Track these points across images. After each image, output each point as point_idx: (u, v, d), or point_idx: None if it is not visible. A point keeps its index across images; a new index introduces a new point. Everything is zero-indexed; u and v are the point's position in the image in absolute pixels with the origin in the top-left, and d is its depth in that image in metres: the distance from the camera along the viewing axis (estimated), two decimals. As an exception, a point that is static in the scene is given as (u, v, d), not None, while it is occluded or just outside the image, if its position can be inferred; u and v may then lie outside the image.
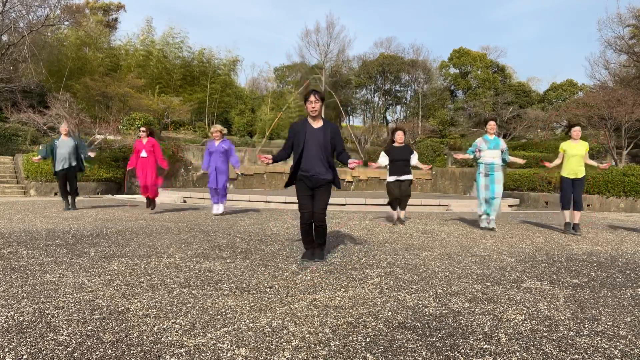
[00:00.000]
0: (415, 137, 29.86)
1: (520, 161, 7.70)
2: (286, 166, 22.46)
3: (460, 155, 7.75)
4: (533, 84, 42.20)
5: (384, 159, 7.75)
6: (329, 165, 4.33)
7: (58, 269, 3.63)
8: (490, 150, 7.08)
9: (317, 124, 4.41)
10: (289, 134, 4.48)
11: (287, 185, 4.48)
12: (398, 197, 7.61)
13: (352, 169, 4.32)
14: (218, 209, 8.70)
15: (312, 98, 4.32)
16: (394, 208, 7.82)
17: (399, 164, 7.64)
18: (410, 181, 7.70)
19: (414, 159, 7.85)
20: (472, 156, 7.32)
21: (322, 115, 4.50)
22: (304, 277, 3.57)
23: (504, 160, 7.23)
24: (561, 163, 7.32)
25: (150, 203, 8.88)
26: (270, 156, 4.41)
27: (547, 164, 7.60)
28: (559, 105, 31.60)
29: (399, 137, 7.77)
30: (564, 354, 2.11)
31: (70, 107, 17.88)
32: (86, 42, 27.68)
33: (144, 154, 8.61)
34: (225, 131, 8.91)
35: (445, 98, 39.75)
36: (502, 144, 7.21)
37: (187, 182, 20.60)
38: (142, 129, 8.87)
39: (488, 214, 7.12)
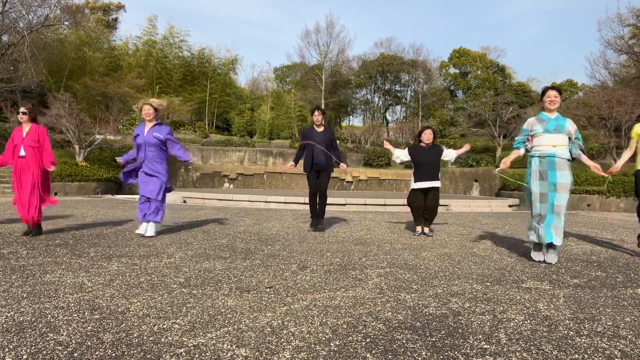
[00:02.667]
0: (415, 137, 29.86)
1: (596, 169, 4.66)
2: (284, 167, 22.47)
3: (507, 162, 4.79)
4: (533, 84, 42.21)
5: (402, 155, 6.45)
6: (328, 156, 6.50)
7: (58, 269, 3.63)
8: (549, 134, 4.40)
9: (320, 129, 6.59)
10: (302, 136, 6.66)
11: (305, 169, 6.60)
12: (422, 208, 6.26)
13: (342, 168, 6.72)
14: (146, 228, 5.55)
15: (316, 112, 6.56)
16: (418, 223, 6.40)
17: (427, 167, 6.22)
18: (439, 188, 6.35)
19: (447, 153, 6.41)
20: (522, 151, 4.76)
21: (323, 122, 6.66)
22: (304, 277, 3.57)
23: (571, 154, 4.46)
24: (635, 155, 5.18)
25: (30, 231, 5.47)
26: (293, 163, 6.69)
27: (614, 169, 5.20)
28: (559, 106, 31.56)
29: (427, 137, 6.34)
30: (564, 354, 2.11)
31: (70, 107, 17.88)
32: (86, 42, 27.68)
33: (22, 151, 5.29)
34: (162, 105, 5.78)
35: (445, 98, 39.76)
36: (571, 125, 4.46)
37: (187, 182, 20.61)
38: (22, 109, 5.39)
39: (547, 243, 4.33)
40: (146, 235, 5.53)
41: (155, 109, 5.62)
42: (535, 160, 4.52)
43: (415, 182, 6.30)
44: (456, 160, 7.58)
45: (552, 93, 4.55)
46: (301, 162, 6.71)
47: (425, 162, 6.23)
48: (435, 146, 6.43)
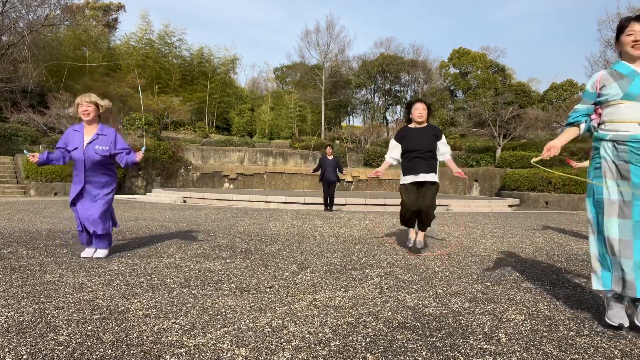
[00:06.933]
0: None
1: None
2: (284, 167, 22.61)
3: (555, 146, 2.78)
4: (533, 85, 42.25)
5: (393, 153, 4.93)
6: (336, 176, 10.84)
7: (58, 269, 3.63)
8: (633, 101, 2.54)
9: (330, 157, 10.93)
10: (319, 161, 11.15)
11: (320, 180, 11.07)
12: (415, 209, 4.68)
13: (343, 175, 11.26)
14: (94, 252, 4.28)
15: (328, 148, 11.20)
16: (408, 225, 4.96)
17: (419, 155, 4.70)
18: (436, 185, 4.77)
19: (444, 151, 4.82)
20: (582, 128, 2.82)
21: (333, 153, 11.17)
22: (304, 277, 3.57)
23: None
24: None
25: None
26: (312, 170, 11.45)
27: (574, 163, 5.51)
28: (559, 105, 31.62)
29: (418, 113, 4.79)
30: (564, 354, 2.11)
31: (70, 107, 17.86)
32: (85, 41, 27.68)
33: None
34: (106, 105, 4.37)
35: (445, 98, 39.78)
36: None
37: (187, 182, 20.61)
38: None
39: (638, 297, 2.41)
40: (95, 256, 4.25)
41: (97, 106, 4.27)
42: (606, 147, 2.61)
43: (404, 174, 4.81)
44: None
45: (637, 26, 2.60)
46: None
47: (416, 148, 4.68)
48: (430, 127, 4.86)
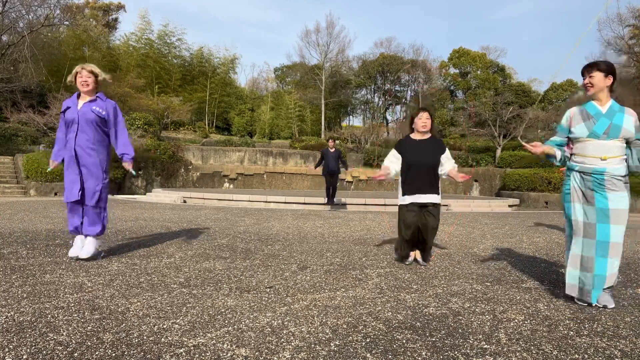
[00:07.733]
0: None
1: None
2: (284, 167, 22.64)
3: (538, 145, 3.27)
4: (534, 85, 42.25)
5: (392, 164, 4.37)
6: (337, 167, 11.00)
7: (58, 269, 3.63)
8: (597, 139, 3.02)
9: (332, 150, 11.05)
10: (322, 154, 11.25)
11: (323, 173, 11.32)
12: (418, 225, 4.17)
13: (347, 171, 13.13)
14: (82, 247, 4.04)
15: (330, 141, 11.35)
16: (404, 254, 4.34)
17: (421, 172, 4.20)
18: (439, 206, 4.27)
19: (448, 165, 4.31)
20: (558, 156, 3.29)
21: (335, 146, 11.29)
22: (304, 277, 3.57)
23: (630, 166, 3.10)
24: None
25: None
26: (312, 167, 12.19)
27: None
28: (559, 105, 31.64)
29: (422, 123, 4.31)
30: (564, 354, 2.11)
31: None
32: (85, 41, 27.68)
33: None
34: (105, 78, 4.15)
35: (445, 98, 39.76)
36: (630, 123, 2.99)
37: (187, 182, 20.60)
38: None
39: (590, 293, 2.96)
40: (81, 257, 3.96)
41: (96, 76, 4.04)
42: (575, 176, 3.11)
43: (404, 194, 4.26)
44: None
45: (598, 77, 3.01)
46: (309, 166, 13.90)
47: (418, 164, 4.21)
48: (434, 140, 4.37)
